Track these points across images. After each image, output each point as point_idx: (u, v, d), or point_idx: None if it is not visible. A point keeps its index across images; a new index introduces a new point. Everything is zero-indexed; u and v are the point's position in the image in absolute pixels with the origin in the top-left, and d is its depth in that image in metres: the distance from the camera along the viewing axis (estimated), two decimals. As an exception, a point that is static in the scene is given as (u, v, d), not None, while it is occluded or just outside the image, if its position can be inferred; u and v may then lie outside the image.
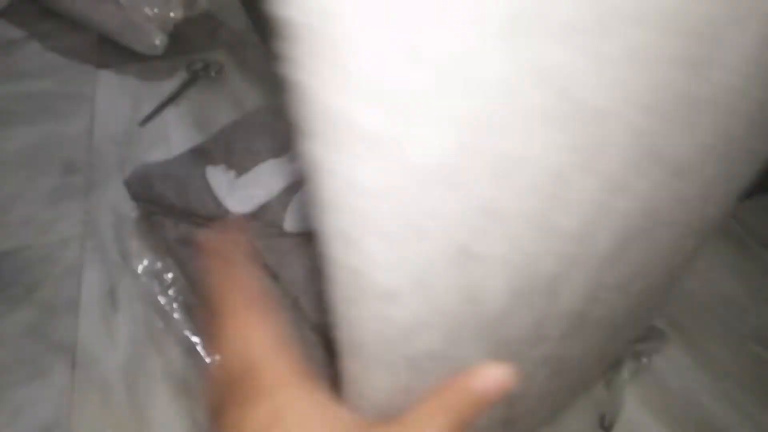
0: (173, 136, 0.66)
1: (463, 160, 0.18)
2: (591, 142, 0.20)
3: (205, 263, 0.30)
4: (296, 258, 0.41)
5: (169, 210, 0.47)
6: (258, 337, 0.25)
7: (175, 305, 0.49)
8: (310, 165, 0.18)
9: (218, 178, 0.45)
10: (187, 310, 0.49)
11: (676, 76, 0.20)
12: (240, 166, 0.46)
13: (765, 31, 0.21)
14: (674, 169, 0.24)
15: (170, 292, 0.50)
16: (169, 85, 0.72)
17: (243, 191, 0.44)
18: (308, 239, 0.40)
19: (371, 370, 0.23)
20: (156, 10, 0.70)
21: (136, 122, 0.68)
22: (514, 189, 0.19)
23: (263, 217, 0.43)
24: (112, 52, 0.76)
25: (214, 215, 0.44)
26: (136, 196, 0.51)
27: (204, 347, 0.47)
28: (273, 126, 0.50)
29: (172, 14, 0.71)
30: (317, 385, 0.24)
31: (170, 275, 0.51)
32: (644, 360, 0.45)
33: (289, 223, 0.43)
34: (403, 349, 0.22)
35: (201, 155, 0.49)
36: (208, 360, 0.46)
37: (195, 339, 0.47)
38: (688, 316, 0.50)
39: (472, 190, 0.18)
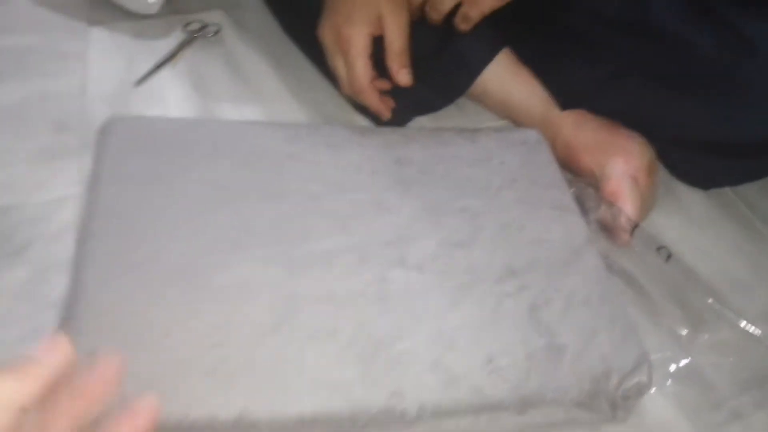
0: (170, 97, 0.64)
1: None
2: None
3: None
4: None
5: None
6: None
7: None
8: None
9: None
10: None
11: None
12: None
13: None
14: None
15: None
16: (165, 45, 0.69)
17: None
18: None
19: None
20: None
21: (130, 82, 0.65)
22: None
23: None
24: (104, 8, 0.73)
25: None
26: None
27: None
28: None
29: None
30: None
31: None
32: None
33: None
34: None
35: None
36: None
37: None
38: (695, 293, 0.50)
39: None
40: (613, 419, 0.41)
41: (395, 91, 0.55)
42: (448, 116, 0.63)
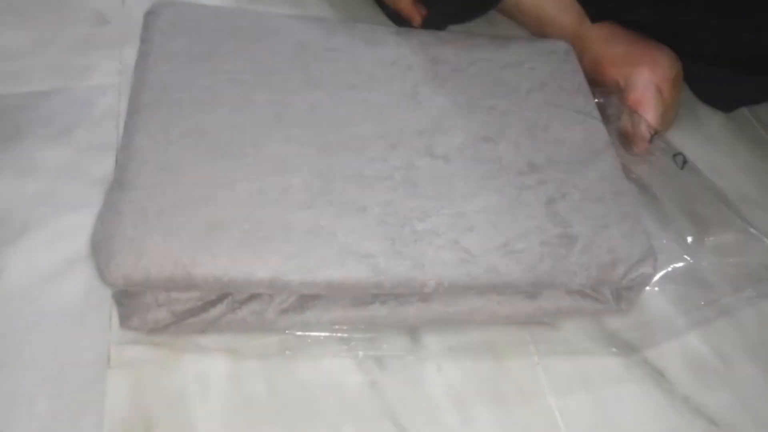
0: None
1: None
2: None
3: None
4: None
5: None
6: None
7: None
8: None
9: None
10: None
11: None
12: None
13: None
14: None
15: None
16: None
17: None
18: None
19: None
20: None
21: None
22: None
23: None
24: None
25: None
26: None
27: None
28: None
29: None
30: None
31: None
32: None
33: None
34: None
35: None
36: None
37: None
38: (707, 205, 0.52)
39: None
40: (616, 311, 0.44)
41: (426, 1, 0.56)
42: (479, 30, 0.63)
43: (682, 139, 0.57)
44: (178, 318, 0.39)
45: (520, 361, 0.43)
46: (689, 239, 0.47)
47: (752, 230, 0.46)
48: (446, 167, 0.44)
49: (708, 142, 0.58)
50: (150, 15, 0.47)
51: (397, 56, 0.50)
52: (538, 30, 0.61)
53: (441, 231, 0.40)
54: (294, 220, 0.39)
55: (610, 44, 0.55)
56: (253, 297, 0.40)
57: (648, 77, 0.51)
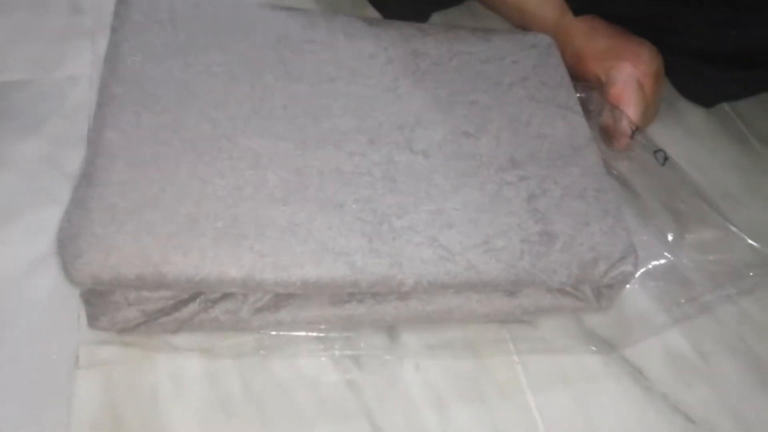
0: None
1: None
2: None
3: None
4: None
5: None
6: None
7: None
8: None
9: None
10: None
11: None
12: None
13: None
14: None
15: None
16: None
17: None
18: None
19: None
20: None
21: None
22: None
23: None
24: None
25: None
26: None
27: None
28: None
29: None
30: None
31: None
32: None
33: None
34: None
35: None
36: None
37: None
38: (687, 202, 0.52)
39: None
40: (596, 308, 0.44)
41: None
42: (462, 22, 0.63)
43: (663, 134, 0.57)
44: (149, 317, 0.38)
45: (499, 359, 0.42)
46: (670, 236, 0.47)
47: (732, 228, 0.46)
48: (426, 163, 0.43)
49: (689, 137, 0.58)
50: (122, 3, 0.46)
51: (377, 49, 0.49)
52: (520, 22, 0.60)
53: (420, 228, 0.40)
54: (269, 217, 0.38)
55: (591, 38, 0.55)
56: (226, 296, 0.39)
57: (629, 72, 0.51)
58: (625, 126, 0.50)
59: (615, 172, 0.50)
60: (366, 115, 0.44)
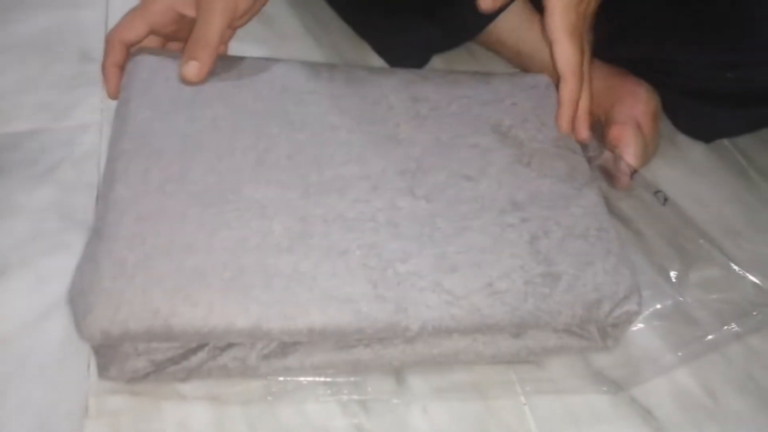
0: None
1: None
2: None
3: None
4: None
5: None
6: None
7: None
8: None
9: None
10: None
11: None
12: None
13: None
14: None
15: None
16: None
17: None
18: None
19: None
20: None
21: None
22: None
23: None
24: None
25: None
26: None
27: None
28: None
29: None
30: None
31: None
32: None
33: None
34: None
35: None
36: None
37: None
38: (688, 239, 0.52)
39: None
40: (602, 348, 0.44)
41: (408, 29, 0.56)
42: (462, 63, 0.64)
43: (664, 169, 0.57)
44: (157, 367, 0.38)
45: (507, 401, 0.42)
46: (673, 275, 0.47)
47: (734, 267, 0.46)
48: (428, 207, 0.43)
49: (690, 172, 0.58)
50: (132, 62, 0.47)
51: (377, 96, 0.50)
52: (519, 64, 0.61)
53: (423, 273, 0.40)
54: (275, 266, 0.39)
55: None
56: (234, 343, 0.39)
57: (628, 113, 0.52)
58: (624, 167, 0.50)
59: (617, 210, 0.51)
60: (368, 161, 0.45)
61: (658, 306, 0.45)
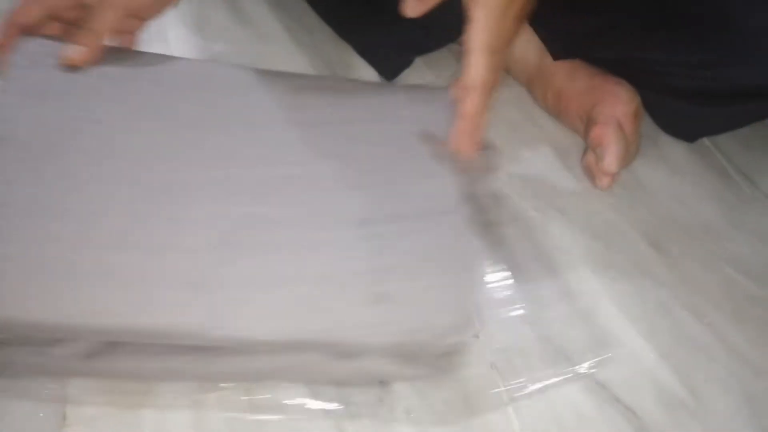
0: (171, 37, 0.65)
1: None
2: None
3: None
4: None
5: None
6: None
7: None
8: None
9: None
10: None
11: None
12: None
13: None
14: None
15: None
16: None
17: None
18: None
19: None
20: None
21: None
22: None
23: None
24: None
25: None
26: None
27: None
28: None
29: None
30: None
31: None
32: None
33: None
34: None
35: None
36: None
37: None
38: (672, 240, 0.53)
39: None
40: (433, 377, 0.42)
41: (390, 31, 0.56)
42: (446, 65, 0.64)
43: (646, 169, 0.58)
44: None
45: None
46: (523, 312, 0.46)
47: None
48: (271, 216, 0.42)
49: (672, 172, 0.58)
50: (16, 48, 0.46)
51: (261, 100, 0.49)
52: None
53: (246, 283, 0.39)
54: (97, 262, 0.38)
55: (571, 79, 0.56)
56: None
57: (609, 113, 0.52)
58: (605, 166, 0.50)
59: (496, 238, 0.49)
60: (226, 166, 0.44)
61: (496, 339, 0.44)
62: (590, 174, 0.54)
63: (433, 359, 0.42)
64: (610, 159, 0.50)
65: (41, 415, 0.39)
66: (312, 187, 0.45)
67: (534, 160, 0.58)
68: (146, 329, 0.37)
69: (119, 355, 0.39)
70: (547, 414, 0.42)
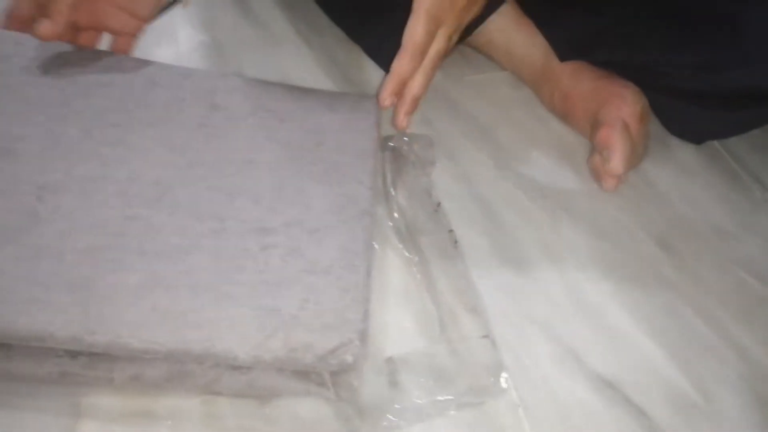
0: (181, 37, 0.65)
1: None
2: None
3: None
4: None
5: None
6: None
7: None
8: None
9: None
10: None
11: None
12: None
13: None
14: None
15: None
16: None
17: None
18: None
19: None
20: None
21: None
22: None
23: None
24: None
25: None
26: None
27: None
28: None
29: None
30: None
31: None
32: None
33: None
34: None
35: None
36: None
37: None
38: (681, 241, 0.53)
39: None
40: (334, 397, 0.39)
41: (400, 32, 0.56)
42: (455, 65, 0.64)
43: (654, 170, 0.58)
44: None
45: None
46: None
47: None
48: (167, 220, 0.42)
49: (680, 173, 0.58)
50: None
51: (173, 98, 0.48)
52: (509, 65, 0.62)
53: (131, 287, 0.38)
54: None
55: (577, 80, 0.56)
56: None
57: (615, 114, 0.52)
58: (612, 168, 0.50)
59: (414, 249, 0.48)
60: (127, 165, 0.44)
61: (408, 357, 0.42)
62: (597, 175, 0.54)
63: (326, 376, 0.39)
64: (617, 161, 0.51)
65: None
66: (207, 190, 0.44)
67: (541, 161, 0.58)
68: (22, 331, 0.36)
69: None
70: (556, 414, 0.42)
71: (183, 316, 0.38)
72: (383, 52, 0.62)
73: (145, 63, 0.51)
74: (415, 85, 0.47)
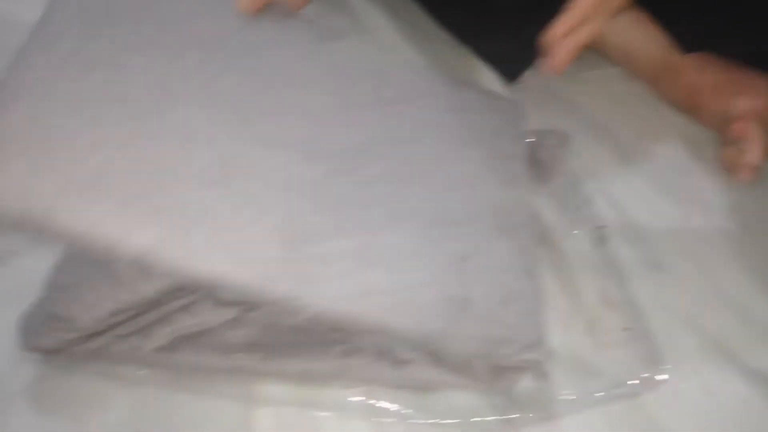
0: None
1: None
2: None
3: None
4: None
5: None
6: None
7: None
8: None
9: None
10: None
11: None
12: None
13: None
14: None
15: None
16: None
17: None
18: None
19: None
20: None
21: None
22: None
23: None
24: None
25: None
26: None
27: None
28: None
29: None
30: None
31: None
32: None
33: None
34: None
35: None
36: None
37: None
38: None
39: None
40: (488, 390, 0.41)
41: (512, 32, 0.57)
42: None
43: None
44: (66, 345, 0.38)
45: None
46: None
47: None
48: (363, 194, 0.41)
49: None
50: None
51: (347, 67, 0.47)
52: (625, 62, 0.61)
53: (339, 257, 0.38)
54: (189, 197, 0.36)
55: (703, 73, 0.55)
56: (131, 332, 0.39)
57: (748, 105, 0.51)
58: (751, 159, 0.50)
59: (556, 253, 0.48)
60: (311, 126, 0.43)
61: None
62: (731, 167, 0.53)
63: (494, 370, 0.40)
64: (755, 152, 0.50)
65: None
66: (394, 171, 0.43)
67: (666, 154, 0.57)
68: (234, 282, 0.36)
69: (180, 350, 0.40)
70: (716, 408, 0.41)
71: (389, 294, 0.38)
72: (494, 53, 0.63)
73: (316, 27, 0.49)
74: (584, 30, 0.43)
